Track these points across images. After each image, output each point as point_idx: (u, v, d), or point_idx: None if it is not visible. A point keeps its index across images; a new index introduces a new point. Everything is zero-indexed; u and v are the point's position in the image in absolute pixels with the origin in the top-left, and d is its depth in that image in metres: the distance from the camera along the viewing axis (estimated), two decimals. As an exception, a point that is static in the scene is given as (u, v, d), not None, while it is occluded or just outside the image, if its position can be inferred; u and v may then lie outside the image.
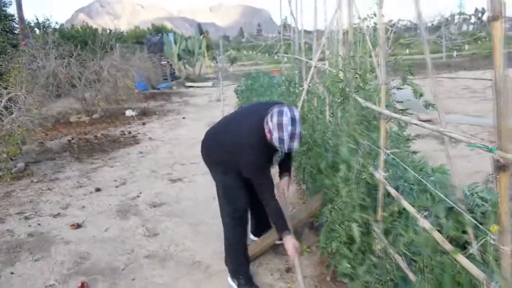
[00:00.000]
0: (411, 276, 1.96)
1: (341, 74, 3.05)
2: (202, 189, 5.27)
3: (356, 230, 2.53)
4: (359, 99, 2.49)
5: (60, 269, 3.75)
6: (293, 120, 2.71)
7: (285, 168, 3.48)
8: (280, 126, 2.70)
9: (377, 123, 2.42)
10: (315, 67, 3.95)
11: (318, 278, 3.40)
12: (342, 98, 2.90)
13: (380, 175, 2.20)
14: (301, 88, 4.08)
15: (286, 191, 3.52)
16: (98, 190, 5.45)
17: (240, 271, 3.40)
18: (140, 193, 5.31)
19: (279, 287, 3.36)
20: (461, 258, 1.41)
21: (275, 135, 2.73)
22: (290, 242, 3.00)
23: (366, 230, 2.59)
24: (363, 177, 2.47)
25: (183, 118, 9.66)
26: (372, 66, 2.80)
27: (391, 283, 2.25)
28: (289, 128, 2.69)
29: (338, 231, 2.86)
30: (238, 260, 3.42)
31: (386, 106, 2.15)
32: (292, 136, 2.71)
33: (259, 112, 2.98)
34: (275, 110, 2.77)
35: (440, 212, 1.58)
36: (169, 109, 10.62)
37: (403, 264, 2.06)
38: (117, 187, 5.55)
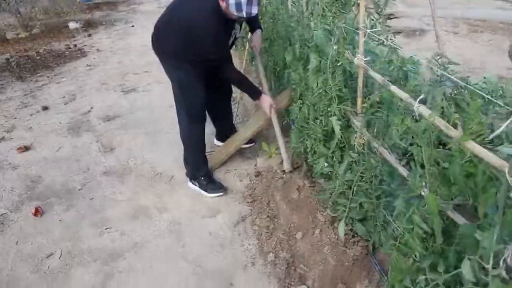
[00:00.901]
0: (401, 170, 1.75)
1: None
2: (158, 97, 4.90)
3: (336, 124, 2.28)
4: None
5: (10, 196, 3.46)
6: None
7: (254, 25, 3.38)
8: None
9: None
10: None
11: (292, 182, 3.23)
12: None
13: (360, 60, 1.91)
14: None
15: (258, 48, 3.46)
16: (45, 108, 5.00)
17: (199, 172, 3.23)
18: (92, 107, 4.91)
19: (249, 194, 3.19)
20: (473, 145, 1.17)
21: (231, 1, 2.50)
22: (264, 101, 3.23)
23: (345, 124, 2.35)
24: (339, 64, 2.17)
25: (132, 26, 8.94)
26: None
27: (376, 180, 2.06)
28: None
29: (312, 128, 2.62)
30: (196, 160, 3.25)
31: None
32: (249, 1, 2.52)
33: None
34: None
35: (437, 95, 1.32)
36: (116, 18, 9.77)
37: (390, 158, 1.84)
38: (66, 103, 5.11)
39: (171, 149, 3.73)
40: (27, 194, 3.45)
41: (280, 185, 3.20)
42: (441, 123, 1.30)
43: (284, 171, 3.28)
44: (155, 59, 3.06)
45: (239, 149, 3.57)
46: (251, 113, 4.26)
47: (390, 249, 1.68)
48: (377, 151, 2.00)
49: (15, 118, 4.86)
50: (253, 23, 3.33)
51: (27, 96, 5.44)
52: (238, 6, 2.50)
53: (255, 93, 3.24)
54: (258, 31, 3.38)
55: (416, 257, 1.53)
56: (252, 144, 3.70)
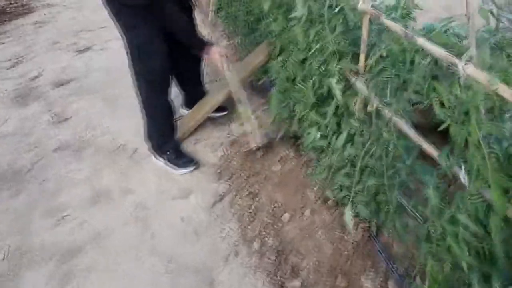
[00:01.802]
0: (426, 147, 1.38)
1: None
2: (116, 57, 4.32)
3: (336, 87, 1.87)
4: None
5: None
6: None
7: None
8: None
9: None
10: None
11: (273, 151, 2.85)
12: None
13: (366, 3, 1.49)
14: None
15: None
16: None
17: (166, 145, 2.82)
18: (42, 70, 4.33)
19: (225, 168, 2.80)
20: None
21: None
22: (212, 52, 2.70)
23: (342, 86, 1.94)
24: (337, 9, 1.75)
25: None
26: None
27: (387, 157, 1.65)
28: None
29: (301, 91, 2.20)
30: (161, 132, 2.83)
31: None
32: None
33: None
34: None
35: (485, 52, 0.94)
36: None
37: (409, 132, 1.46)
38: (12, 67, 4.50)
39: (133, 116, 3.24)
40: None
41: (260, 156, 2.83)
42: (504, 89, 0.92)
43: (255, 147, 2.81)
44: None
45: (209, 117, 3.15)
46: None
47: (425, 254, 1.33)
48: (390, 120, 1.61)
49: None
50: None
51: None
52: None
53: (198, 44, 2.68)
54: None
55: (461, 267, 1.18)
56: (224, 113, 3.25)
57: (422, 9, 1.83)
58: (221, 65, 2.75)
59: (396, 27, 1.41)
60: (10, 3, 6.71)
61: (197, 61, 3.09)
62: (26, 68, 4.44)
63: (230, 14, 3.93)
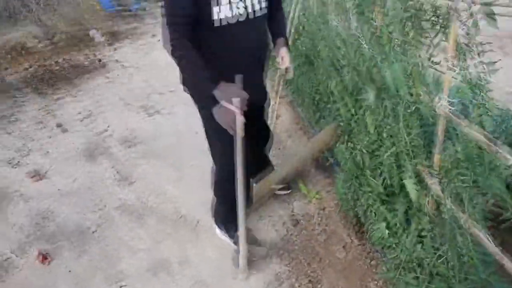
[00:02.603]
0: (506, 263, 1.30)
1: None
2: (184, 122, 4.47)
3: (412, 188, 1.83)
4: None
5: (17, 235, 3.10)
6: None
7: (277, 29, 2.44)
8: None
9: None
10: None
11: (336, 236, 2.79)
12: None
13: (444, 106, 1.47)
14: None
15: (287, 59, 2.40)
16: (63, 129, 4.63)
17: (231, 223, 2.69)
18: (112, 130, 4.52)
19: (286, 249, 2.76)
20: None
21: None
22: (223, 110, 2.01)
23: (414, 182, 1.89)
24: (414, 108, 1.73)
25: (159, 40, 8.60)
26: None
27: (462, 266, 1.57)
28: None
29: (371, 183, 2.17)
30: (229, 209, 2.64)
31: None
32: None
33: None
34: None
35: None
36: (142, 31, 9.41)
37: (487, 242, 1.39)
38: (85, 124, 4.72)
39: (197, 186, 3.31)
40: (36, 235, 3.08)
41: (323, 240, 2.77)
42: None
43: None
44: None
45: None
46: (289, 144, 3.83)
47: None
48: (466, 224, 1.54)
49: (33, 139, 4.49)
50: (275, 23, 2.41)
51: (44, 114, 5.09)
52: None
53: (205, 85, 2.04)
54: (282, 42, 2.41)
55: None
56: (287, 192, 3.20)
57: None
58: (231, 127, 2.14)
59: (478, 136, 1.37)
60: (89, 59, 7.17)
61: (266, 131, 2.97)
62: (98, 125, 4.65)
63: (299, 87, 4.02)
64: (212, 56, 2.13)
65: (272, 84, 4.18)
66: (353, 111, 2.52)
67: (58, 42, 8.28)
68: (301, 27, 3.69)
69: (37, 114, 5.11)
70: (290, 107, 4.38)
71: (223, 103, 1.98)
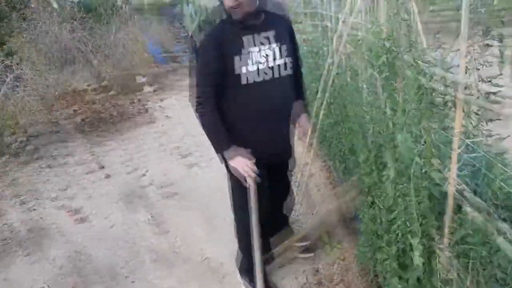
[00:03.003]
0: None
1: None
2: (220, 175, 4.59)
3: (418, 258, 1.86)
4: (420, 63, 1.70)
5: (52, 268, 3.28)
6: None
7: (296, 92, 2.60)
8: None
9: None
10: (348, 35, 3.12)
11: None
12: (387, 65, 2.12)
13: (451, 185, 1.53)
14: (329, 61, 3.30)
15: (307, 132, 2.72)
16: (105, 172, 4.89)
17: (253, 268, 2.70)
18: (152, 178, 4.71)
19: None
20: None
21: None
22: (235, 160, 2.34)
23: (426, 247, 1.92)
24: (423, 184, 1.78)
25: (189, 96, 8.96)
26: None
27: None
28: None
29: (385, 241, 2.22)
30: (251, 262, 2.69)
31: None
32: None
33: None
34: None
35: None
36: (188, 83, 9.87)
37: None
38: (127, 171, 4.95)
39: (228, 240, 3.37)
40: (69, 267, 3.25)
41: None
42: None
43: None
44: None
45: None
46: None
47: None
48: None
49: (76, 181, 4.75)
50: (298, 98, 2.59)
51: (89, 157, 5.38)
52: None
53: (219, 144, 2.40)
54: (304, 116, 2.67)
55: None
56: (311, 255, 3.17)
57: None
58: (244, 177, 2.39)
59: (488, 226, 1.41)
60: (134, 104, 7.53)
61: (286, 189, 3.06)
62: (139, 172, 4.86)
63: (326, 139, 4.14)
64: (237, 113, 2.38)
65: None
66: (377, 178, 2.57)
67: (108, 88, 8.78)
68: (335, 93, 3.82)
69: (83, 156, 5.40)
70: (323, 165, 4.48)
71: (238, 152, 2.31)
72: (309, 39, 5.09)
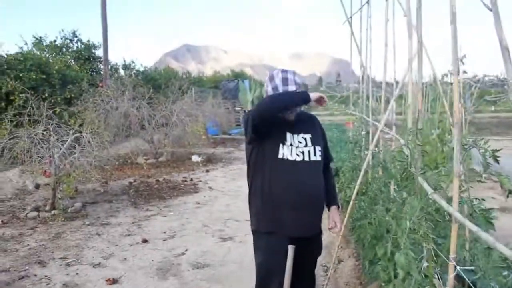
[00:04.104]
0: None
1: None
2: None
3: None
4: (426, 186, 1.90)
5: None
6: (283, 72, 2.62)
7: (329, 196, 2.84)
8: (271, 77, 2.64)
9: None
10: (381, 131, 3.36)
11: None
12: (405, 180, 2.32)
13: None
14: (366, 152, 3.51)
15: (339, 224, 2.84)
16: (144, 241, 5.16)
17: None
18: (186, 250, 4.91)
19: None
20: None
21: (269, 88, 2.62)
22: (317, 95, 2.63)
23: None
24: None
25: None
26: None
27: None
28: (280, 74, 2.60)
29: None
30: None
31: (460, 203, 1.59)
32: (284, 81, 2.57)
33: None
34: None
35: None
36: (236, 156, 10.33)
37: None
38: (164, 240, 5.21)
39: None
40: None
41: None
42: None
43: None
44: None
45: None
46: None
47: None
48: None
49: (116, 245, 5.05)
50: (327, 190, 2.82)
51: (133, 225, 5.70)
52: (275, 89, 2.56)
53: (295, 94, 2.61)
54: (335, 208, 2.86)
55: None
56: None
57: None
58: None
59: None
60: (185, 181, 7.96)
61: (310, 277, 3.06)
62: (176, 244, 5.08)
63: (355, 231, 4.18)
64: (271, 189, 2.63)
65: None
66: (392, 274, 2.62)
67: (163, 161, 9.36)
68: (367, 183, 3.96)
69: (127, 223, 5.71)
70: (352, 252, 4.49)
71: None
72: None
